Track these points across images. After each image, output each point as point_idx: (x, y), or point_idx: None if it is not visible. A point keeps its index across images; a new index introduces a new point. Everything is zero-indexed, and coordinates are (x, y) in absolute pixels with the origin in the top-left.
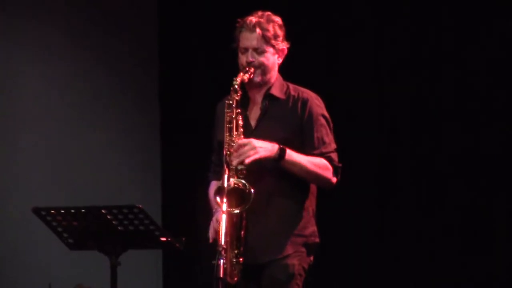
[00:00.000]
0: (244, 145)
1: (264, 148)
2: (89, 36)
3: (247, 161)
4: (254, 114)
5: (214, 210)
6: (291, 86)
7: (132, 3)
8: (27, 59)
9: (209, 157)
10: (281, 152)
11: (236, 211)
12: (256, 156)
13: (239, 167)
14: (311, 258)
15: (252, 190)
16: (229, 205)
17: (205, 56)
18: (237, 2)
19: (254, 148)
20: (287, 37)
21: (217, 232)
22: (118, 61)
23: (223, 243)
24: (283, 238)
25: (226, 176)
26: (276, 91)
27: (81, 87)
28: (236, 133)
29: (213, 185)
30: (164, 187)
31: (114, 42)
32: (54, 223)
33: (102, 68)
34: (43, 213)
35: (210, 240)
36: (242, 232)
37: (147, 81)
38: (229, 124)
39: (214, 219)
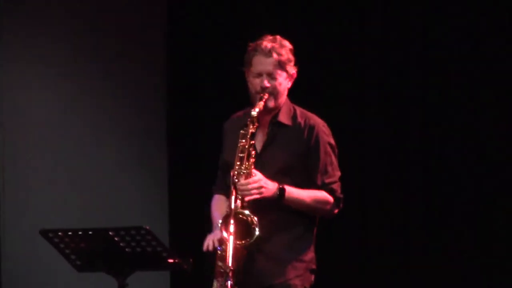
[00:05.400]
0: (254, 179)
1: (267, 189)
2: (95, 52)
3: (246, 199)
4: (261, 138)
5: (215, 225)
6: (298, 110)
7: (141, 13)
8: (35, 78)
9: (215, 177)
10: (281, 192)
11: (239, 243)
12: (258, 196)
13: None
14: (312, 278)
15: (257, 229)
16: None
17: (214, 71)
18: (244, 8)
19: (260, 187)
20: (296, 62)
21: (223, 256)
22: (125, 79)
23: (230, 264)
24: (286, 264)
25: (233, 197)
26: (283, 118)
27: (87, 108)
28: (247, 163)
29: (216, 199)
30: (172, 208)
31: (123, 58)
32: (62, 245)
33: (110, 88)
34: (51, 235)
35: (204, 248)
36: (242, 263)
37: (155, 100)
38: (241, 153)
39: (215, 232)
